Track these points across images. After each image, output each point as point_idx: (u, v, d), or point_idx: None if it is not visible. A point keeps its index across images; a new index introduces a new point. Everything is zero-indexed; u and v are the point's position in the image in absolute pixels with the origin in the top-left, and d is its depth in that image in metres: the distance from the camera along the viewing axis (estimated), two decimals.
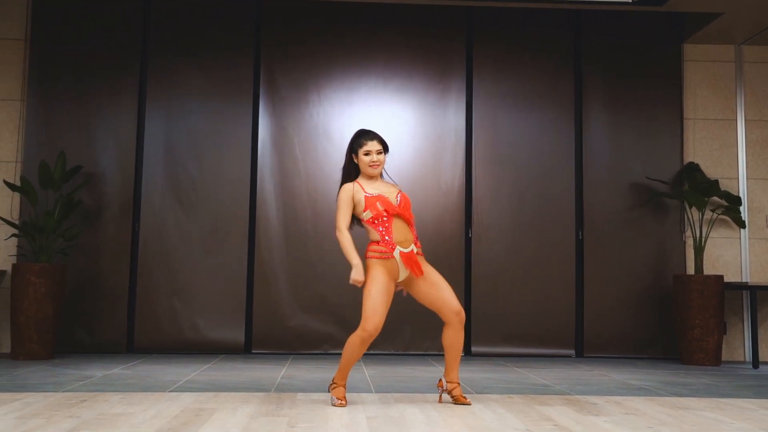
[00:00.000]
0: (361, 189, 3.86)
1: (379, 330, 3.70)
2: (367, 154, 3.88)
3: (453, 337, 3.84)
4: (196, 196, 6.50)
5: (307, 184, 6.57)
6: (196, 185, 6.50)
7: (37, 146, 6.38)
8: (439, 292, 3.82)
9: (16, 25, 6.55)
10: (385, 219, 3.79)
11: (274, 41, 6.72)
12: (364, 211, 3.83)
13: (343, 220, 3.84)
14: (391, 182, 4.05)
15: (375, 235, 3.82)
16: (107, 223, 6.39)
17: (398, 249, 3.77)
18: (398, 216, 3.81)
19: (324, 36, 6.76)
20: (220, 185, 6.52)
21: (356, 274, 3.74)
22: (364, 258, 3.82)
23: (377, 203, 3.80)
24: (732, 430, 3.29)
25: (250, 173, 6.57)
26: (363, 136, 3.94)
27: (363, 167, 3.90)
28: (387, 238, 3.78)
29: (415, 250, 3.82)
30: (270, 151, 6.60)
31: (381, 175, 3.97)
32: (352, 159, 3.95)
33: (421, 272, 3.79)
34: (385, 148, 3.96)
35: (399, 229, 3.80)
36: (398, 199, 3.87)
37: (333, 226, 6.31)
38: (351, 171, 3.98)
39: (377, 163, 3.88)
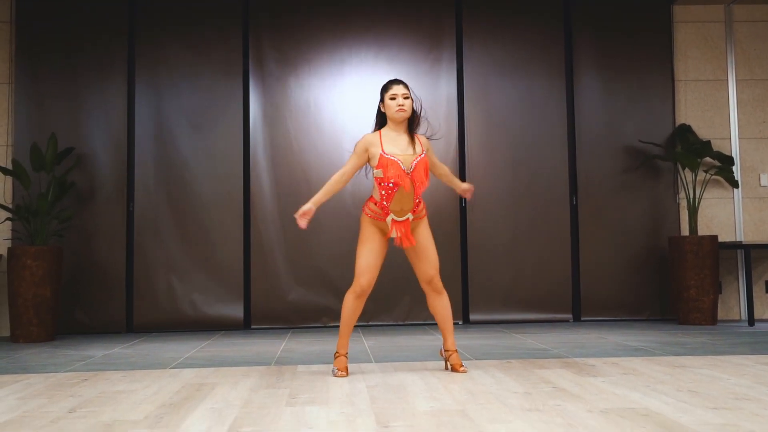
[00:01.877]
0: (379, 143, 3.77)
1: (372, 285, 3.77)
2: (393, 98, 3.80)
3: (433, 305, 3.93)
4: (190, 173, 6.47)
5: (300, 158, 6.55)
6: (189, 163, 6.48)
7: (28, 129, 6.35)
8: (419, 258, 3.86)
9: (2, 7, 6.47)
10: (391, 185, 3.71)
11: (263, 16, 6.66)
12: (376, 168, 3.76)
13: (345, 167, 3.84)
14: (422, 137, 3.91)
15: (376, 194, 3.79)
16: (101, 204, 6.37)
17: (392, 216, 3.76)
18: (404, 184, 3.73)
19: (313, 9, 6.69)
20: (213, 162, 6.50)
21: (301, 212, 3.77)
22: (361, 210, 3.88)
23: (390, 168, 3.70)
24: (729, 385, 3.32)
25: (243, 149, 6.55)
26: (390, 82, 3.89)
27: (390, 112, 3.80)
28: (385, 203, 3.75)
29: (410, 218, 3.79)
30: (262, 126, 6.57)
31: (411, 127, 3.86)
32: (380, 109, 3.90)
33: (408, 244, 3.78)
34: (414, 100, 3.87)
35: (399, 199, 3.73)
36: (413, 165, 3.74)
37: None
38: (379, 120, 3.93)
39: (403, 107, 3.78)
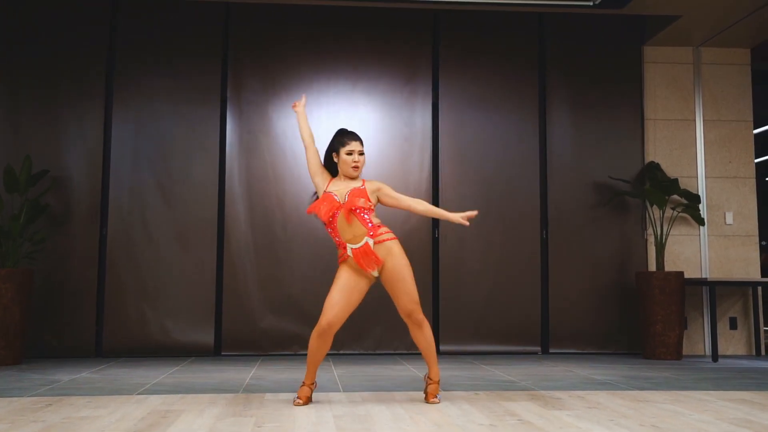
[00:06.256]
0: (328, 183, 3.91)
1: (334, 323, 3.73)
2: (350, 153, 3.88)
3: (415, 337, 3.91)
4: (164, 199, 6.48)
5: (276, 187, 6.59)
6: (164, 189, 6.49)
7: (3, 150, 6.32)
8: (395, 291, 3.82)
9: None
10: (330, 220, 3.80)
11: (242, 45, 6.73)
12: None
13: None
14: (374, 181, 3.99)
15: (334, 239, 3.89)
16: (75, 227, 6.35)
17: (349, 247, 3.80)
18: (342, 212, 3.78)
19: (292, 40, 6.78)
20: (188, 188, 6.51)
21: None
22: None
23: (322, 204, 3.82)
24: (691, 421, 3.38)
25: (218, 176, 6.56)
26: (347, 135, 3.93)
27: (344, 167, 3.89)
28: (337, 239, 3.83)
29: (370, 243, 3.78)
30: (238, 154, 6.60)
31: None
32: (332, 157, 3.95)
33: (372, 268, 3.77)
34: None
35: (345, 227, 3.78)
36: (346, 196, 3.81)
37: (301, 228, 6.46)
38: (328, 165, 4.00)
39: (358, 164, 3.88)
